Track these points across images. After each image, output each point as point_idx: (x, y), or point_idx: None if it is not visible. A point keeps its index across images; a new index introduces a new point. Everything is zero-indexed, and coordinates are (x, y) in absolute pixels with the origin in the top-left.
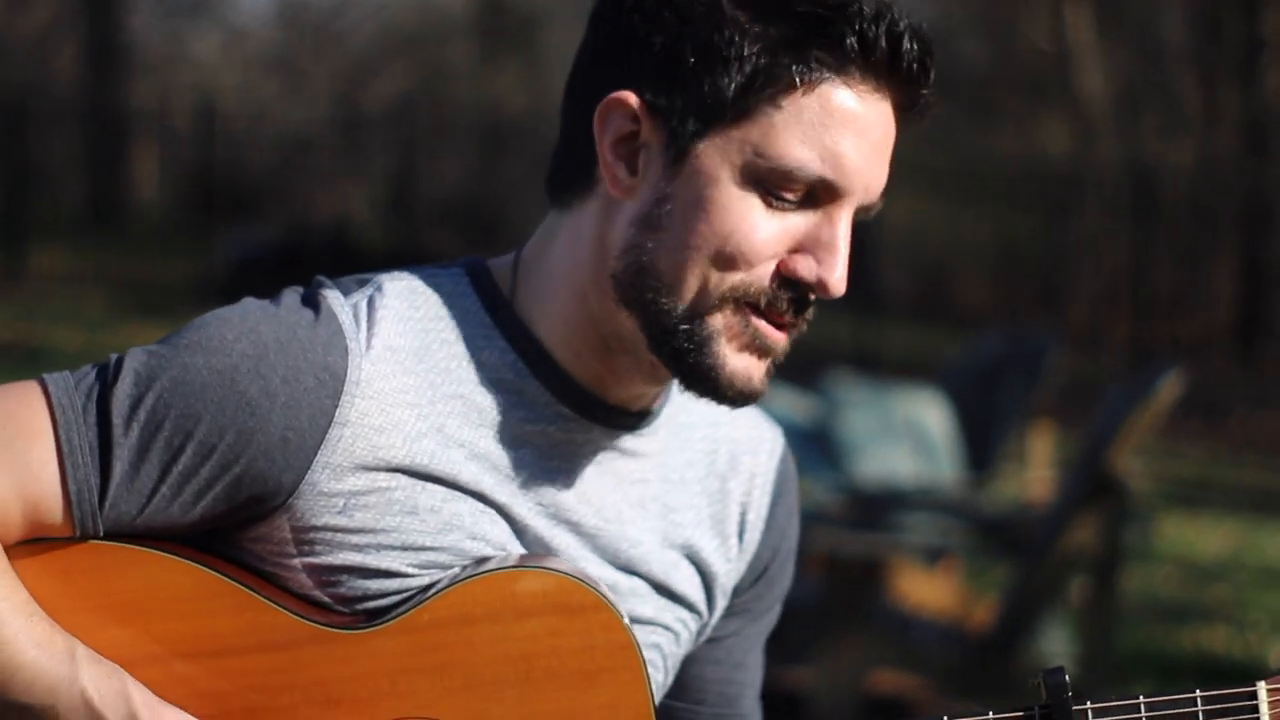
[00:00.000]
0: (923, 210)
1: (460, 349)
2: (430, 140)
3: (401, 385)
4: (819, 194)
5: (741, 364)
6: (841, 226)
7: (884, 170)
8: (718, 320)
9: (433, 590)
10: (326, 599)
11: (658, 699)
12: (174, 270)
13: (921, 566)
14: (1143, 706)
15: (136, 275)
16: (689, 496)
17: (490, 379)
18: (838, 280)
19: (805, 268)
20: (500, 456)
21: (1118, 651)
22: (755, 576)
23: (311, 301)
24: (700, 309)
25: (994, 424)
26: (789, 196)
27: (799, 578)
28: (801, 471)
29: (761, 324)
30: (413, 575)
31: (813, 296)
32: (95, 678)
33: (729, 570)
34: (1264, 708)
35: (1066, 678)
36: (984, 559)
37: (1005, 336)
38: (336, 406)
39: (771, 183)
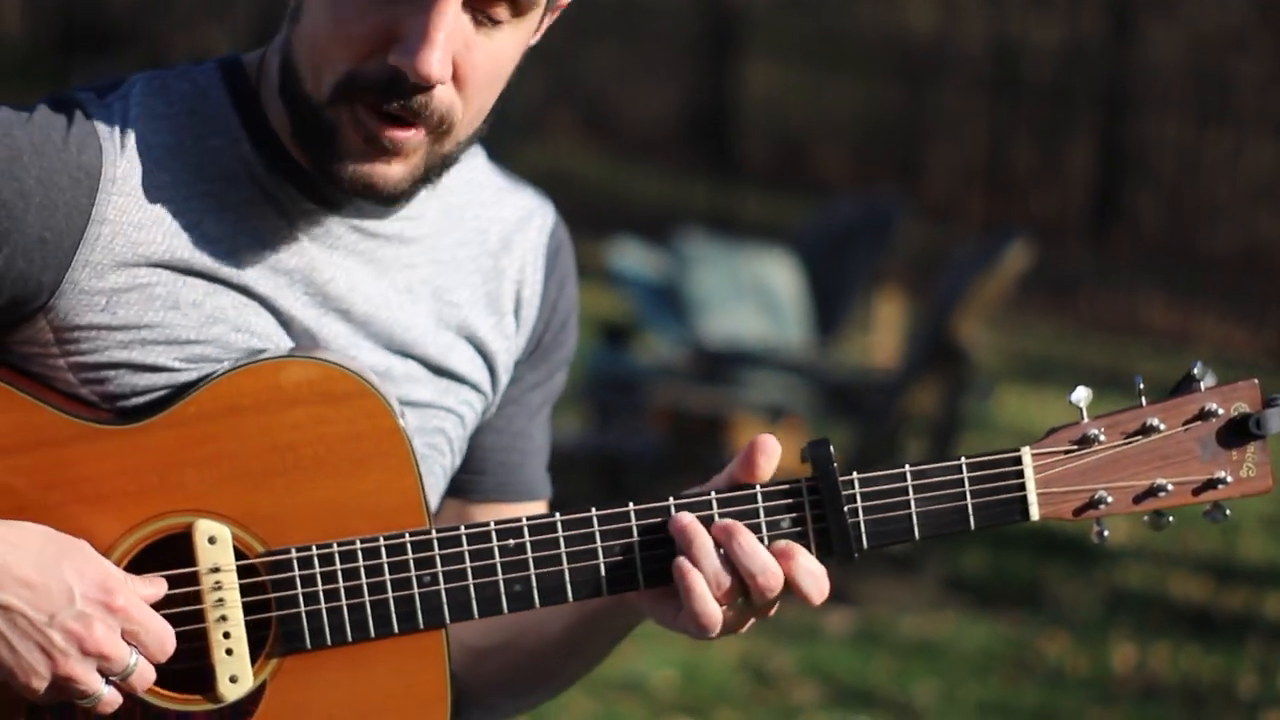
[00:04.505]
0: (784, 78)
1: (213, 144)
2: None
3: (158, 181)
4: None
5: (364, 162)
6: (435, 15)
7: None
8: (342, 114)
9: (199, 383)
10: (93, 397)
11: (445, 481)
12: None
13: (764, 424)
14: (909, 475)
15: None
16: (462, 276)
17: (245, 173)
18: (425, 63)
19: (401, 54)
20: (262, 248)
21: None
22: (531, 349)
23: (65, 105)
24: (326, 100)
25: (842, 287)
26: None
27: (640, 431)
28: (649, 326)
29: (376, 120)
30: (180, 370)
31: (417, 88)
32: None
33: (507, 347)
34: (1029, 472)
35: (831, 450)
36: (826, 420)
37: (856, 200)
38: (93, 204)
39: None
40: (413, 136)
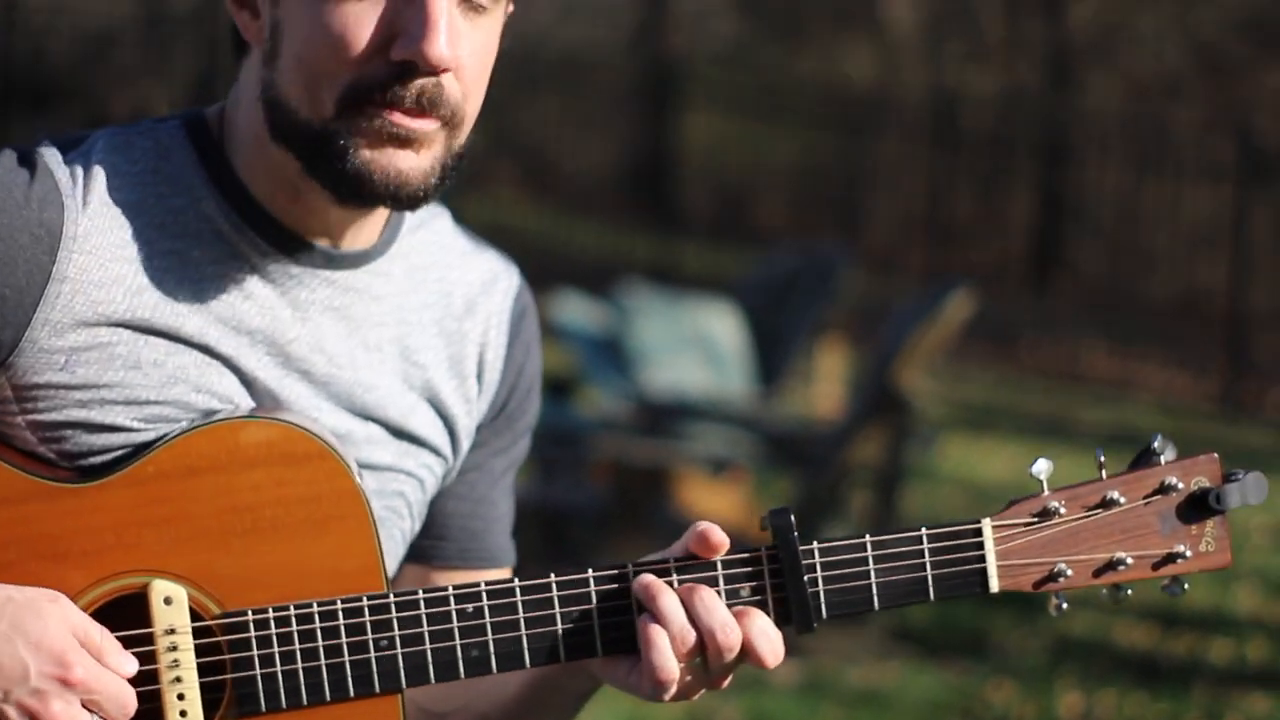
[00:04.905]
0: (724, 130)
1: (177, 202)
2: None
3: (120, 240)
4: None
5: (383, 158)
6: (433, 1)
7: None
8: (351, 125)
9: (157, 443)
10: (51, 455)
11: (404, 546)
12: None
13: (707, 477)
14: (869, 546)
15: None
16: (427, 338)
17: (209, 231)
18: (433, 46)
19: (406, 45)
20: (225, 308)
21: None
22: (494, 414)
23: (28, 160)
24: (332, 115)
25: (784, 338)
26: None
27: (583, 484)
28: (591, 379)
29: (390, 114)
30: (138, 430)
31: (428, 76)
32: None
33: (469, 410)
34: (989, 544)
35: (793, 519)
36: (769, 471)
37: (797, 251)
38: (54, 262)
39: None
40: (430, 126)
